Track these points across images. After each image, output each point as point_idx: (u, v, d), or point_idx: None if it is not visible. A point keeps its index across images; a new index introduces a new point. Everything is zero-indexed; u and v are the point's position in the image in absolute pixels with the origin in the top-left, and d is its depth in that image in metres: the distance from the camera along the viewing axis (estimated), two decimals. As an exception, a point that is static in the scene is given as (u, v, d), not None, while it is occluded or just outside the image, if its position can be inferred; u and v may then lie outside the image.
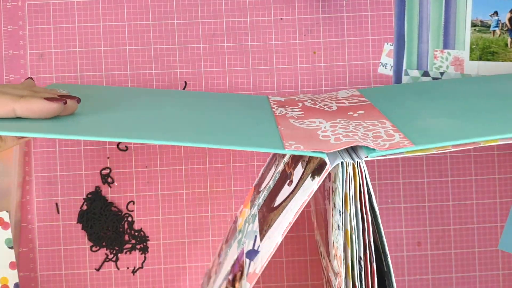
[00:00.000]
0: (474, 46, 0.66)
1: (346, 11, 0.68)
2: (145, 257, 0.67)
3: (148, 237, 0.67)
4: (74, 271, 0.67)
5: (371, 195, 0.39)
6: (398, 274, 0.67)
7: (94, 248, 0.67)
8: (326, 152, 0.39)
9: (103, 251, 0.67)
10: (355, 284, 0.41)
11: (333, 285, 0.48)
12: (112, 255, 0.67)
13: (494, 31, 0.66)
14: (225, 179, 0.67)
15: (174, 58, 0.67)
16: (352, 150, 0.41)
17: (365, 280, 0.41)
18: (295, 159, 0.47)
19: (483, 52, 0.66)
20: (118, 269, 0.67)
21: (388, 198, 0.67)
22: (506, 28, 0.66)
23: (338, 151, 0.41)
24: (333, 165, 0.39)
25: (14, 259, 0.63)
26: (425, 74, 0.67)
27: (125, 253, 0.67)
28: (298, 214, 0.40)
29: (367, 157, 0.39)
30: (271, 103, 0.57)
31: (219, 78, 0.67)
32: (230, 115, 0.52)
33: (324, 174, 0.38)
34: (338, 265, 0.43)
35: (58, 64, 0.67)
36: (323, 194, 0.48)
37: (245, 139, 0.43)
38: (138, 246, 0.67)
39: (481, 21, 0.66)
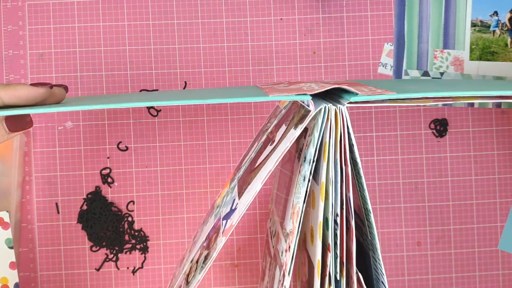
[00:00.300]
0: (474, 46, 0.66)
1: (346, 11, 0.68)
2: (145, 257, 0.67)
3: (148, 237, 0.67)
4: (74, 271, 0.67)
5: (353, 145, 0.39)
6: (398, 274, 0.67)
7: (94, 248, 0.67)
8: (310, 94, 0.39)
9: (103, 251, 0.67)
10: (328, 245, 0.39)
11: (280, 251, 0.45)
12: (112, 255, 0.67)
13: (494, 31, 0.66)
14: (225, 179, 0.67)
15: (174, 58, 0.67)
16: (335, 102, 0.41)
17: (340, 240, 0.38)
18: (279, 125, 0.47)
19: (483, 52, 0.66)
20: (118, 269, 0.67)
21: (388, 198, 0.67)
22: (506, 28, 0.66)
23: (321, 101, 0.41)
24: (317, 110, 0.39)
25: (14, 259, 0.63)
26: (425, 74, 0.67)
27: (125, 253, 0.67)
28: (279, 161, 0.39)
29: (350, 102, 0.39)
30: (259, 85, 0.57)
31: (219, 78, 0.67)
32: (220, 90, 0.53)
33: (307, 119, 0.38)
34: (294, 221, 0.40)
35: (58, 64, 0.67)
36: (294, 156, 0.47)
37: (234, 96, 0.44)
38: (138, 246, 0.67)
39: (481, 21, 0.66)
